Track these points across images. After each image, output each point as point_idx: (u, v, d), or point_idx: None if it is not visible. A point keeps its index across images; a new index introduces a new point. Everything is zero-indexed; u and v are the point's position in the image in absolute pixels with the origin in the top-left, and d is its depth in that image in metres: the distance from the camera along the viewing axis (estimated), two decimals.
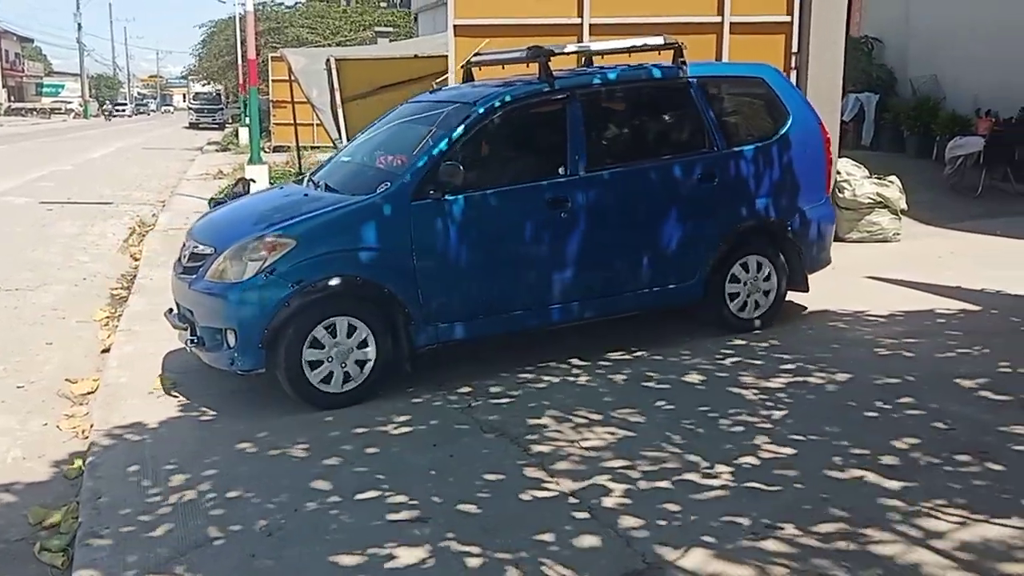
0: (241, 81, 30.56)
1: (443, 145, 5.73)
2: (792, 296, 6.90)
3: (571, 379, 5.81)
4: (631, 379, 5.77)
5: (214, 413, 5.50)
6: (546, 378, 5.84)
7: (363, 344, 5.52)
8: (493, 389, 5.65)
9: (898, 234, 10.02)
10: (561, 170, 6.03)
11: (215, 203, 13.58)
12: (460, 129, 5.80)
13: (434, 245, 5.66)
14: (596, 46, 7.11)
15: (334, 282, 5.43)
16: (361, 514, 4.08)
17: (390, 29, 29.12)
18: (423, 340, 5.70)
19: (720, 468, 4.37)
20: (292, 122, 19.51)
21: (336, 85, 13.79)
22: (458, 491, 4.24)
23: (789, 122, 6.73)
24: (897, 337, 6.37)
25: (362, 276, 5.51)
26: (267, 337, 5.32)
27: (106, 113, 69.93)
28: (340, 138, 14.18)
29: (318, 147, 22.10)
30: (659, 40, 6.77)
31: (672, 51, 6.63)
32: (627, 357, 6.18)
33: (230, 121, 44.03)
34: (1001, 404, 5.06)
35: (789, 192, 6.67)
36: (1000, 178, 12.54)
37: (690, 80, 6.51)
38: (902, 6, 15.75)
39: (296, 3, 41.96)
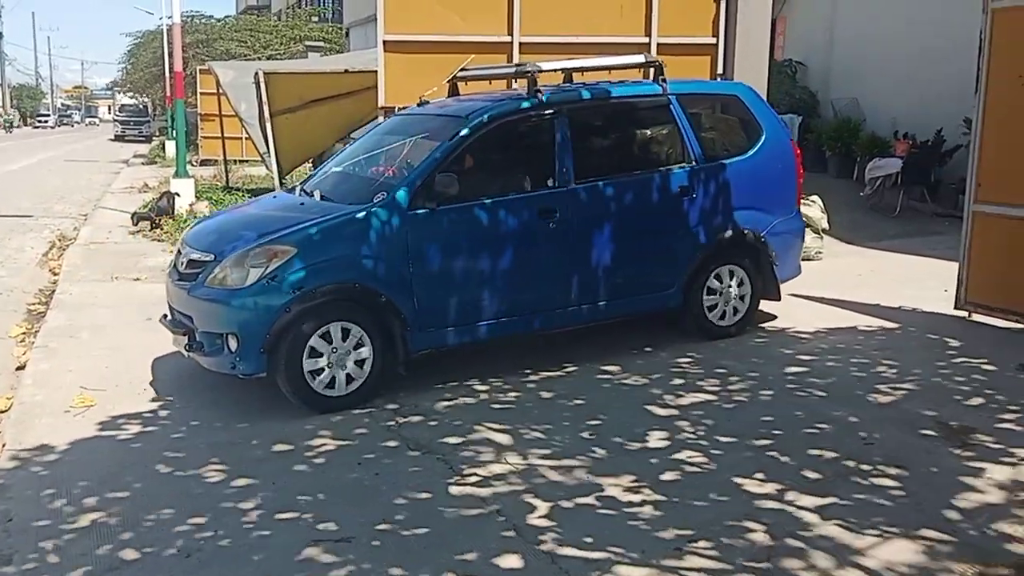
0: (168, 93, 30.02)
1: (438, 157, 5.90)
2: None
3: (500, 395, 5.80)
4: (560, 395, 5.78)
5: (132, 432, 5.36)
6: (475, 394, 5.83)
7: (360, 348, 5.62)
8: (421, 405, 5.61)
9: (820, 252, 10.24)
10: (550, 182, 6.23)
11: (139, 217, 13.37)
12: (453, 142, 5.98)
13: (429, 253, 5.82)
14: (579, 64, 7.28)
15: (332, 288, 5.56)
16: (283, 535, 4.01)
17: (321, 44, 28.94)
18: (418, 345, 5.84)
19: (644, 484, 4.40)
20: (220, 135, 19.24)
21: (265, 99, 13.65)
22: (383, 510, 4.20)
23: (763, 138, 7.03)
24: (819, 354, 6.50)
25: (360, 283, 5.64)
26: (268, 342, 5.41)
27: (6, 126, 65.77)
28: (268, 152, 14.05)
29: (246, 161, 21.86)
30: (640, 59, 7.15)
31: (653, 69, 6.94)
32: (558, 373, 6.21)
33: (157, 134, 43.20)
34: (917, 419, 5.18)
35: (762, 205, 6.93)
36: (917, 198, 12.94)
37: (670, 97, 6.76)
38: (825, 31, 16.18)
39: (226, 16, 41.42)
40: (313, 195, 6.36)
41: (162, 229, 12.77)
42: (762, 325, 7.27)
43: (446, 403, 5.66)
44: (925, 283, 8.46)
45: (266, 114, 13.69)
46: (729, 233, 6.80)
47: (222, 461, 4.83)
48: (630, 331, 6.86)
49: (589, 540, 3.86)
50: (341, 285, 5.59)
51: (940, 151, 12.94)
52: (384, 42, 9.63)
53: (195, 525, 4.10)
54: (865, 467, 4.52)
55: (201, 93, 24.58)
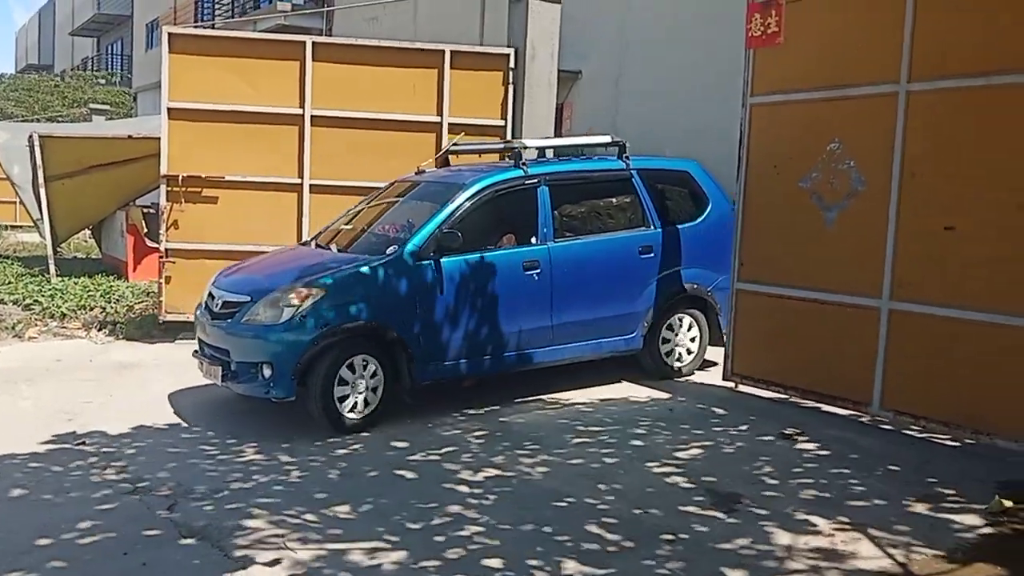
0: None
1: (442, 216, 6.91)
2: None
3: (282, 476, 5.63)
4: (345, 473, 5.68)
5: None
6: (254, 475, 5.62)
7: (374, 378, 6.59)
8: (196, 488, 5.36)
9: None
10: (533, 239, 7.33)
11: None
12: (455, 203, 7.01)
13: (433, 297, 6.77)
14: (551, 143, 8.57)
15: (354, 326, 6.53)
16: None
17: (108, 107, 27.73)
18: (423, 376, 6.79)
19: (428, 563, 4.36)
20: None
21: (40, 162, 12.89)
22: None
23: (709, 207, 8.18)
24: (599, 424, 6.71)
25: (376, 321, 6.61)
26: (298, 370, 6.35)
27: None
28: (41, 218, 13.24)
29: (19, 227, 20.52)
30: (607, 138, 8.31)
31: (617, 147, 8.10)
32: (343, 451, 6.11)
33: None
34: (688, 489, 5.42)
35: (709, 264, 7.98)
36: None
37: (632, 171, 7.91)
38: (610, 114, 17.07)
39: (1, 75, 39.06)
40: (329, 248, 7.36)
41: None
42: (542, 397, 7.45)
43: (222, 486, 5.42)
44: None
45: (40, 179, 12.93)
46: (682, 287, 7.91)
47: None
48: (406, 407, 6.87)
49: None
50: (361, 323, 6.54)
51: None
52: (168, 109, 9.39)
53: None
54: (642, 538, 4.67)
55: None
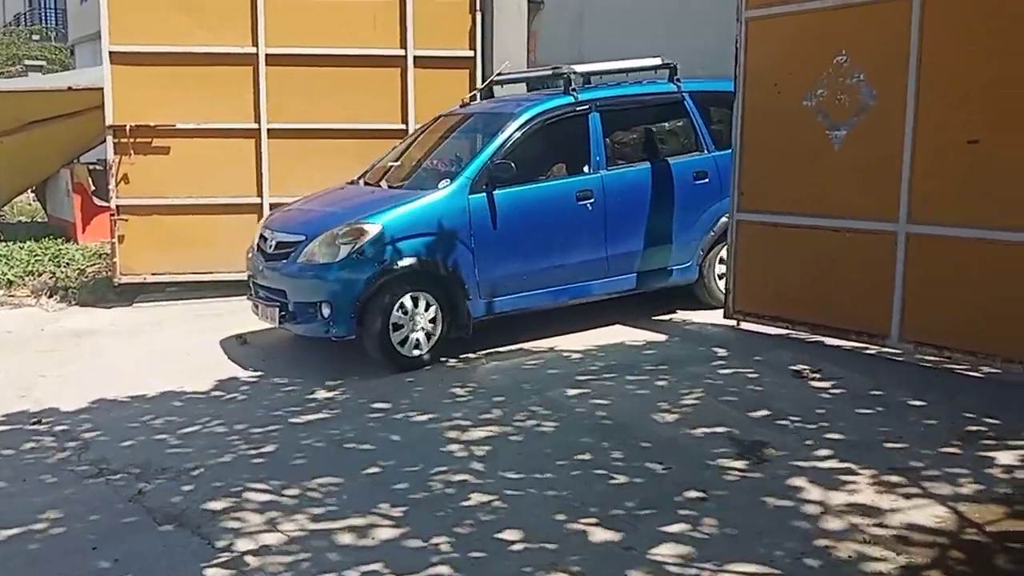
0: None
1: (493, 147, 6.81)
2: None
3: (257, 447, 5.11)
4: (330, 441, 5.17)
5: None
6: (228, 449, 5.09)
7: (432, 315, 6.56)
8: (168, 467, 4.83)
9: None
10: (586, 168, 7.18)
11: None
12: (506, 134, 6.90)
13: (487, 230, 6.70)
14: (598, 67, 7.96)
15: (410, 262, 6.48)
16: None
17: (43, 63, 26.42)
18: (479, 312, 6.75)
19: (438, 539, 3.89)
20: None
21: None
22: None
23: None
24: (596, 374, 6.24)
25: (432, 257, 6.56)
26: (358, 308, 6.34)
27: None
28: None
29: None
30: (656, 61, 7.87)
31: (668, 70, 7.83)
32: (318, 417, 5.61)
33: None
34: (707, 438, 4.99)
35: None
36: None
37: (684, 94, 7.71)
38: (575, 43, 16.42)
39: None
40: (381, 185, 7.35)
41: None
42: (525, 346, 7.01)
43: (195, 464, 4.87)
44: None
45: None
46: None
47: None
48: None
49: None
50: (417, 259, 6.49)
51: None
52: (111, 53, 8.67)
53: None
54: (668, 495, 4.24)
55: None
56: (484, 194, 6.69)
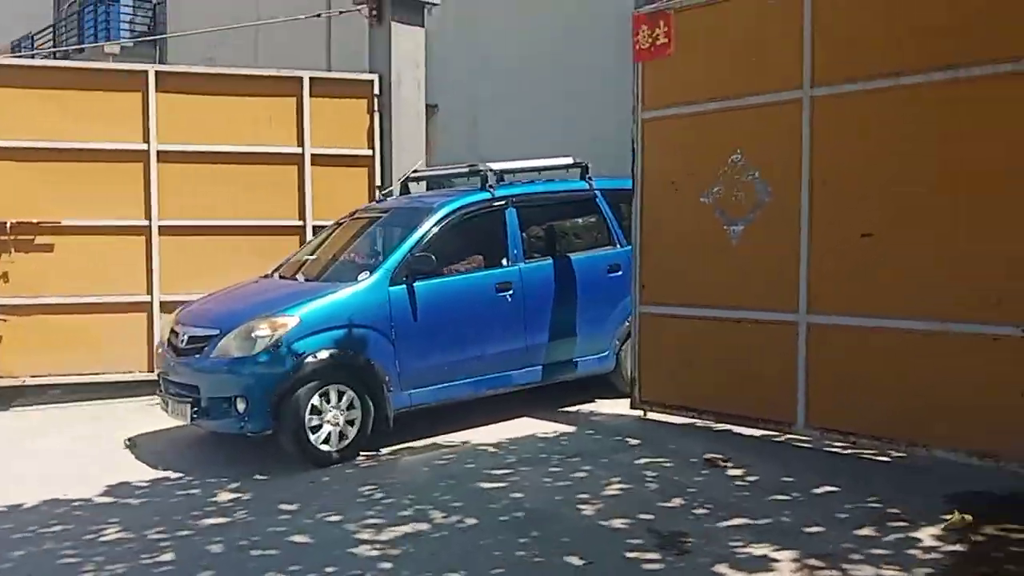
0: None
1: (413, 240, 6.85)
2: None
3: (153, 555, 4.78)
4: (232, 547, 4.87)
5: None
6: (117, 560, 4.74)
7: (351, 408, 6.41)
8: None
9: None
10: (504, 261, 7.31)
11: None
12: (425, 227, 6.96)
13: (409, 322, 6.69)
14: (512, 165, 7.98)
15: (329, 354, 6.37)
16: None
17: None
18: (401, 403, 6.66)
19: None
20: None
21: None
22: None
23: None
24: (512, 467, 6.13)
25: (352, 349, 6.47)
26: (274, 403, 6.17)
27: None
28: None
29: None
30: (568, 160, 8.16)
31: (579, 168, 8.11)
32: (221, 521, 5.30)
33: None
34: (624, 528, 4.92)
35: None
36: None
37: (596, 191, 7.96)
38: (472, 145, 16.64)
39: None
40: (296, 278, 7.28)
41: None
42: (438, 440, 6.88)
43: None
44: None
45: None
46: None
47: None
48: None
49: None
50: (336, 351, 6.38)
51: None
52: None
53: None
54: None
55: None
56: (404, 286, 6.69)
